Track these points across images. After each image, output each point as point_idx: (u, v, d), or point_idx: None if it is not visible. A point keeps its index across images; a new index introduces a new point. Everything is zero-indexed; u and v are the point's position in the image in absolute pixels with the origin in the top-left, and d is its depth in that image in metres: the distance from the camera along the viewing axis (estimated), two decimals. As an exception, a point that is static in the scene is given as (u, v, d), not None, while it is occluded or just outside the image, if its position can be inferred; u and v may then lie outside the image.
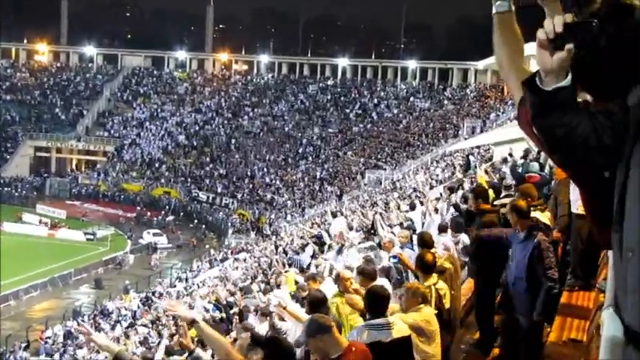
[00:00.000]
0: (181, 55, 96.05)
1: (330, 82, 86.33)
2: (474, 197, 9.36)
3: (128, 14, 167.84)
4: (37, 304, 43.63)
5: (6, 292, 42.76)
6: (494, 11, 2.92)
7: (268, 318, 10.56)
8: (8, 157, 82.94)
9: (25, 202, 72.42)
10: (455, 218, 12.34)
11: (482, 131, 55.58)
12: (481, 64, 73.25)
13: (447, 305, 7.91)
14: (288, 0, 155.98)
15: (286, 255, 26.32)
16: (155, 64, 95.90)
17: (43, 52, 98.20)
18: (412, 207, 19.98)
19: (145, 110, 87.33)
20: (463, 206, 12.17)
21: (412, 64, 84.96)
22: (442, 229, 12.36)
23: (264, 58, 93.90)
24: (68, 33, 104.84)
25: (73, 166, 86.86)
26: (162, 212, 67.92)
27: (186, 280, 40.85)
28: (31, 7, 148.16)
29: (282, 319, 10.21)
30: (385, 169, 59.65)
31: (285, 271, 17.52)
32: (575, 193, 7.80)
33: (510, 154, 24.74)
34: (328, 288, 10.22)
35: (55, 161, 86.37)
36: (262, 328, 10.79)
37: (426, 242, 9.07)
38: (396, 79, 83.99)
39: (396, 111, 76.82)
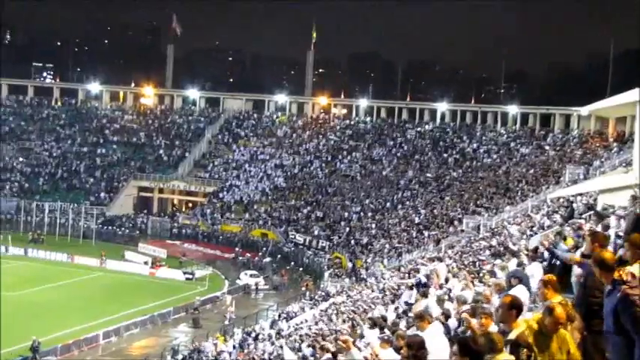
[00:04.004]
0: (281, 98, 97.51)
1: (428, 127, 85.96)
2: (591, 241, 8.83)
3: (231, 59, 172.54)
4: (136, 341, 44.47)
5: (108, 328, 43.85)
6: None
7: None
8: (113, 196, 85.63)
9: (128, 240, 74.46)
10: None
11: (585, 178, 54.08)
12: (584, 110, 71.48)
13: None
14: (387, 45, 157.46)
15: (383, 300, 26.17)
16: (256, 107, 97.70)
17: (149, 95, 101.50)
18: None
19: (245, 152, 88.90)
20: (564, 254, 11.51)
21: (513, 110, 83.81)
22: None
23: (363, 102, 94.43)
24: (173, 77, 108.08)
25: (174, 206, 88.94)
26: (260, 254, 68.58)
27: (281, 322, 40.97)
28: (139, 53, 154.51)
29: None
30: (484, 215, 58.58)
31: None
32: None
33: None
34: (436, 329, 10.15)
35: (157, 201, 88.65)
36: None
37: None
38: (496, 125, 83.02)
39: (495, 156, 75.77)
